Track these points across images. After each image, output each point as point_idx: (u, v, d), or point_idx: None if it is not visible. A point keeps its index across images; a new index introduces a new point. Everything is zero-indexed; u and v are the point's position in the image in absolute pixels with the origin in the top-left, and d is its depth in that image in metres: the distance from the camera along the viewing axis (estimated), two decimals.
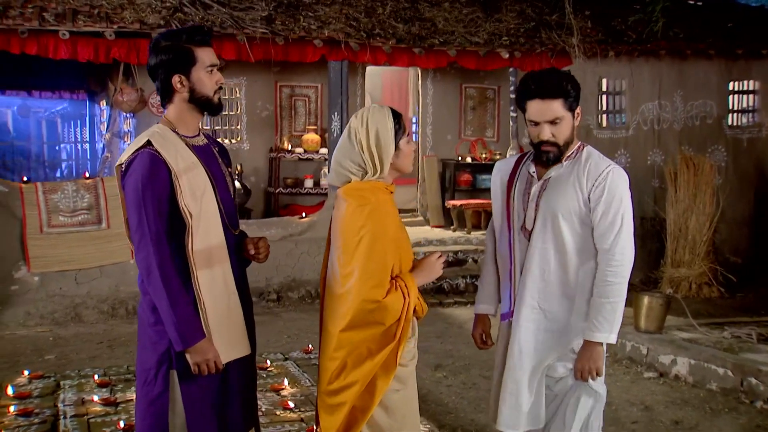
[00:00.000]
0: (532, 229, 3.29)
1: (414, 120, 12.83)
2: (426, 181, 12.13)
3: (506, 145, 11.53)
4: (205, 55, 3.01)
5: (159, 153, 2.89)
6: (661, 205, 10.64)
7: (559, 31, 10.48)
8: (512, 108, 10.91)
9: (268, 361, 6.33)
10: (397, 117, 3.01)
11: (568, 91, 3.16)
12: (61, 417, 4.91)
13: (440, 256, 3.08)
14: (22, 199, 8.75)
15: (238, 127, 11.41)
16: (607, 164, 3.24)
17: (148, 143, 2.93)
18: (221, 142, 4.78)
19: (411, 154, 3.07)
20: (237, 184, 10.29)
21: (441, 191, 11.97)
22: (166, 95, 3.03)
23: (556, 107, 3.16)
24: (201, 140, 3.14)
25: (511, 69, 10.71)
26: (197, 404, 2.95)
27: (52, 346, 7.39)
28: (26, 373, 5.87)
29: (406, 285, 2.93)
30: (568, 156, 3.28)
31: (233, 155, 10.93)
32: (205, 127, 11.22)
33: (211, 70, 3.02)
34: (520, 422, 3.32)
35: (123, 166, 2.94)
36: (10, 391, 5.32)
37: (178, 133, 3.04)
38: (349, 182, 3.01)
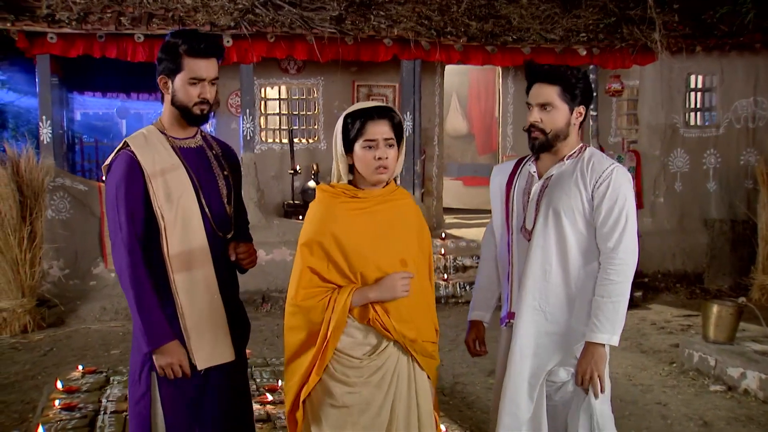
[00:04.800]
0: (533, 229, 3.16)
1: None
2: None
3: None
4: (193, 66, 2.93)
5: (134, 154, 2.88)
6: (753, 208, 10.05)
7: (642, 26, 10.05)
8: (592, 107, 10.53)
9: None
10: (355, 118, 2.79)
11: (568, 80, 3.09)
12: (101, 413, 5.01)
13: (405, 276, 2.80)
14: (100, 198, 9.08)
15: (316, 126, 11.48)
16: (611, 163, 3.13)
17: (126, 144, 2.92)
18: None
19: (369, 161, 2.76)
20: (312, 182, 10.43)
21: None
22: (161, 92, 3.02)
23: (549, 92, 3.09)
24: (194, 142, 3.08)
25: (591, 66, 10.35)
26: (175, 407, 2.93)
27: (120, 341, 7.62)
28: (80, 367, 6.03)
29: (336, 298, 2.74)
30: (570, 155, 3.17)
31: (310, 155, 11.23)
32: (282, 128, 11.35)
33: (195, 83, 2.93)
34: (520, 430, 3.16)
35: (107, 166, 2.95)
36: (59, 385, 5.47)
37: (166, 134, 3.01)
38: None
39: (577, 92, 3.10)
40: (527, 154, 3.35)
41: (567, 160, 3.16)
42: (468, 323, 3.51)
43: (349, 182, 2.89)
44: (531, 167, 3.26)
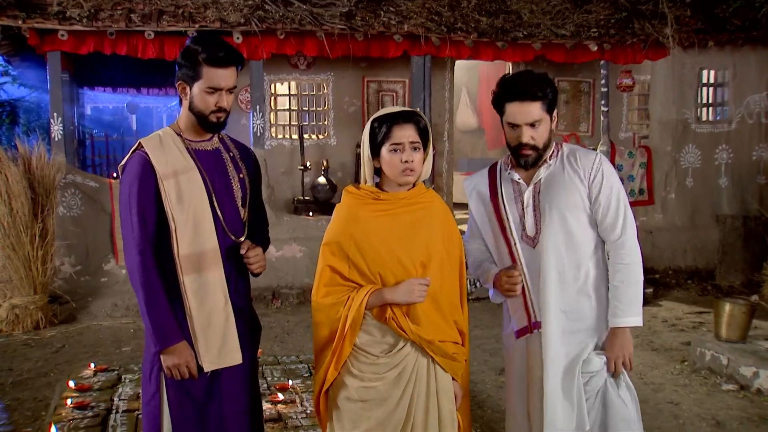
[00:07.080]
0: (536, 235, 3.18)
1: None
2: None
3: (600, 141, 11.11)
4: (211, 75, 2.91)
5: (148, 155, 2.89)
6: (766, 204, 10.00)
7: (654, 21, 9.99)
8: (603, 102, 10.48)
9: None
10: (382, 123, 2.87)
11: (546, 93, 3.11)
12: (113, 411, 5.03)
13: (423, 283, 2.84)
14: (111, 194, 9.11)
15: (325, 122, 11.47)
16: (594, 153, 3.22)
17: (140, 146, 2.93)
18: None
19: (396, 164, 2.85)
20: (322, 178, 10.43)
21: None
22: (180, 96, 3.02)
23: (536, 109, 3.09)
24: (211, 145, 3.08)
25: (602, 62, 10.29)
26: (182, 408, 2.94)
27: (131, 338, 7.63)
28: (92, 365, 6.05)
29: (354, 297, 2.82)
30: (551, 156, 3.23)
31: (320, 150, 11.23)
32: (292, 124, 11.35)
33: (212, 92, 2.93)
34: (566, 427, 3.16)
35: (121, 167, 2.97)
36: (71, 383, 5.50)
37: (182, 137, 3.02)
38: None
39: (552, 100, 3.14)
40: None
41: (550, 161, 3.21)
42: (492, 276, 3.30)
43: (376, 185, 2.97)
44: (513, 175, 3.26)
